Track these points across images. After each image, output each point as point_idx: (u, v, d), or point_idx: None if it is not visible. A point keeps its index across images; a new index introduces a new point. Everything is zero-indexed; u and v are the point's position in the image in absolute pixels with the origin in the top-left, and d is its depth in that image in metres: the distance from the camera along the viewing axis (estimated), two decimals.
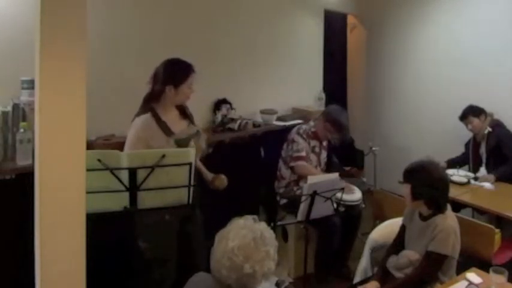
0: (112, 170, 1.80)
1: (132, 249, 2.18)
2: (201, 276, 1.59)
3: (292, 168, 3.19)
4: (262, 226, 1.50)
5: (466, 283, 1.92)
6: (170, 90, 2.19)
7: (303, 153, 3.17)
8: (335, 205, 2.66)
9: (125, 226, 2.07)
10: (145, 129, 2.14)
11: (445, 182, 2.16)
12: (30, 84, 2.32)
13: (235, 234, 1.44)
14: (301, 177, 3.12)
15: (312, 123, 3.31)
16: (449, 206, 2.19)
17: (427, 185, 2.10)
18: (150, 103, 2.22)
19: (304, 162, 3.16)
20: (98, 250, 2.28)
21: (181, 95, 2.23)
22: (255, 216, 1.54)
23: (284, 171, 3.25)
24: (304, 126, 3.28)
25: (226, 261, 1.40)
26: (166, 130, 2.19)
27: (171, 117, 2.26)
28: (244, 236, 1.43)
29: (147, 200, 1.91)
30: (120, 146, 2.30)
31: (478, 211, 3.31)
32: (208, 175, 2.48)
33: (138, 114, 2.20)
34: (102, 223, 1.94)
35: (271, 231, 1.51)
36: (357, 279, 2.56)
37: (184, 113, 2.36)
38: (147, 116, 2.17)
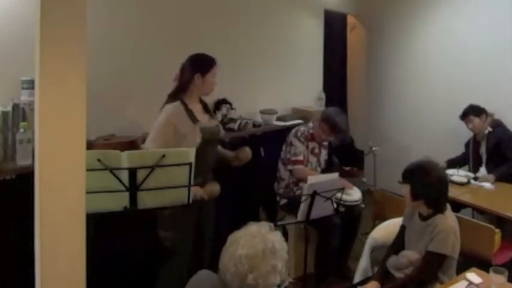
0: (112, 170, 1.80)
1: (154, 239, 2.29)
2: (207, 275, 1.57)
3: (290, 171, 3.20)
4: (276, 237, 1.46)
5: (466, 283, 1.92)
6: (198, 78, 2.38)
7: (300, 157, 3.16)
8: (335, 205, 2.66)
9: (147, 217, 2.11)
10: (176, 114, 2.30)
11: (445, 182, 2.16)
12: (30, 84, 2.32)
13: (245, 241, 1.41)
14: (300, 180, 3.12)
15: (310, 124, 3.30)
16: (448, 206, 2.19)
17: (427, 185, 2.10)
18: (178, 95, 2.38)
19: (301, 166, 3.15)
20: (118, 243, 2.32)
21: (207, 84, 2.42)
22: (271, 225, 1.51)
23: (283, 173, 3.25)
24: (302, 128, 3.27)
25: (232, 266, 1.39)
26: (193, 117, 2.35)
27: (196, 109, 2.44)
28: (254, 246, 1.40)
29: (147, 200, 1.91)
30: (120, 146, 2.31)
31: (478, 211, 3.31)
32: (230, 153, 2.62)
33: (167, 103, 2.35)
34: (117, 218, 1.97)
35: (284, 244, 1.48)
36: (357, 279, 2.56)
37: (206, 107, 2.55)
38: (176, 103, 2.34)
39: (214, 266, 1.73)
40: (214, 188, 2.44)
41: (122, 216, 1.95)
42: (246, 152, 2.58)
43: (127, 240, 2.39)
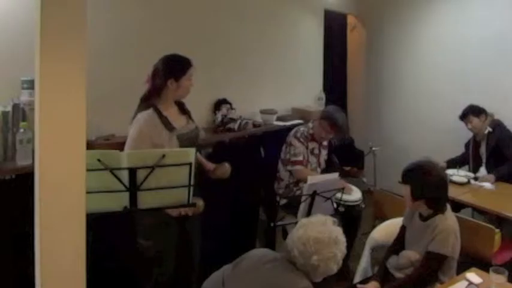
0: (112, 170, 1.79)
1: (133, 247, 2.21)
2: (265, 250, 1.76)
3: (290, 172, 3.19)
4: (339, 231, 1.68)
5: (466, 283, 1.92)
6: (172, 83, 2.23)
7: (300, 158, 3.16)
8: (335, 205, 2.66)
9: (126, 225, 2.08)
10: (149, 124, 2.16)
11: (445, 182, 2.16)
12: (30, 84, 2.32)
13: (316, 227, 1.64)
14: (300, 180, 3.12)
15: (310, 124, 3.30)
16: (449, 206, 2.19)
17: (427, 185, 2.10)
18: (151, 100, 2.24)
19: (301, 167, 3.15)
20: (99, 249, 2.31)
21: (182, 88, 2.27)
22: (336, 220, 1.73)
23: (283, 173, 3.25)
24: (302, 129, 3.27)
25: (300, 245, 1.59)
26: (168, 125, 2.21)
27: (172, 113, 2.29)
28: (322, 232, 1.62)
29: (147, 200, 1.90)
30: (120, 146, 2.30)
31: (478, 211, 3.31)
32: (209, 165, 2.50)
33: (139, 111, 2.21)
34: (104, 222, 1.95)
35: (344, 239, 1.68)
36: (357, 279, 2.57)
37: (183, 109, 2.40)
38: (149, 112, 2.19)
39: (205, 276, 1.76)
40: (198, 203, 2.31)
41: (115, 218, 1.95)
42: (225, 168, 2.45)
43: (112, 244, 2.38)
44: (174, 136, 2.21)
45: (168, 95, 2.26)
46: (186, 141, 2.23)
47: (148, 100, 2.24)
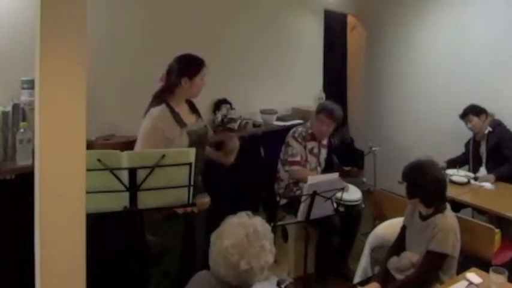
0: (112, 170, 1.80)
1: (140, 243, 2.23)
2: (203, 275, 1.60)
3: (288, 172, 3.20)
4: (256, 221, 1.52)
5: (466, 283, 1.92)
6: (186, 82, 2.28)
7: (298, 158, 3.16)
8: (335, 205, 2.66)
9: (134, 220, 2.09)
10: (161, 119, 2.21)
11: (441, 181, 2.15)
12: (30, 84, 2.32)
13: (228, 233, 1.47)
14: (298, 180, 3.12)
15: (308, 124, 3.30)
16: (448, 206, 2.19)
17: (420, 183, 2.11)
18: (163, 96, 2.29)
19: (298, 167, 3.15)
20: (106, 245, 2.31)
21: (195, 87, 2.32)
22: (249, 212, 1.56)
23: (283, 174, 3.25)
24: (300, 129, 3.27)
25: (222, 260, 1.43)
26: (180, 121, 2.26)
27: (183, 110, 2.34)
28: (237, 234, 1.45)
29: (147, 200, 1.91)
30: (120, 146, 2.31)
31: (478, 211, 3.31)
32: (219, 153, 2.55)
33: (152, 106, 2.26)
34: (110, 219, 1.96)
35: (266, 225, 1.53)
36: (356, 279, 2.57)
37: (193, 107, 2.45)
38: (162, 107, 2.24)
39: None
40: (205, 200, 2.37)
41: (117, 216, 1.95)
42: (232, 140, 2.50)
43: (120, 240, 2.38)
44: (184, 132, 2.25)
45: (181, 93, 2.31)
46: (195, 137, 2.28)
47: (162, 96, 2.30)
